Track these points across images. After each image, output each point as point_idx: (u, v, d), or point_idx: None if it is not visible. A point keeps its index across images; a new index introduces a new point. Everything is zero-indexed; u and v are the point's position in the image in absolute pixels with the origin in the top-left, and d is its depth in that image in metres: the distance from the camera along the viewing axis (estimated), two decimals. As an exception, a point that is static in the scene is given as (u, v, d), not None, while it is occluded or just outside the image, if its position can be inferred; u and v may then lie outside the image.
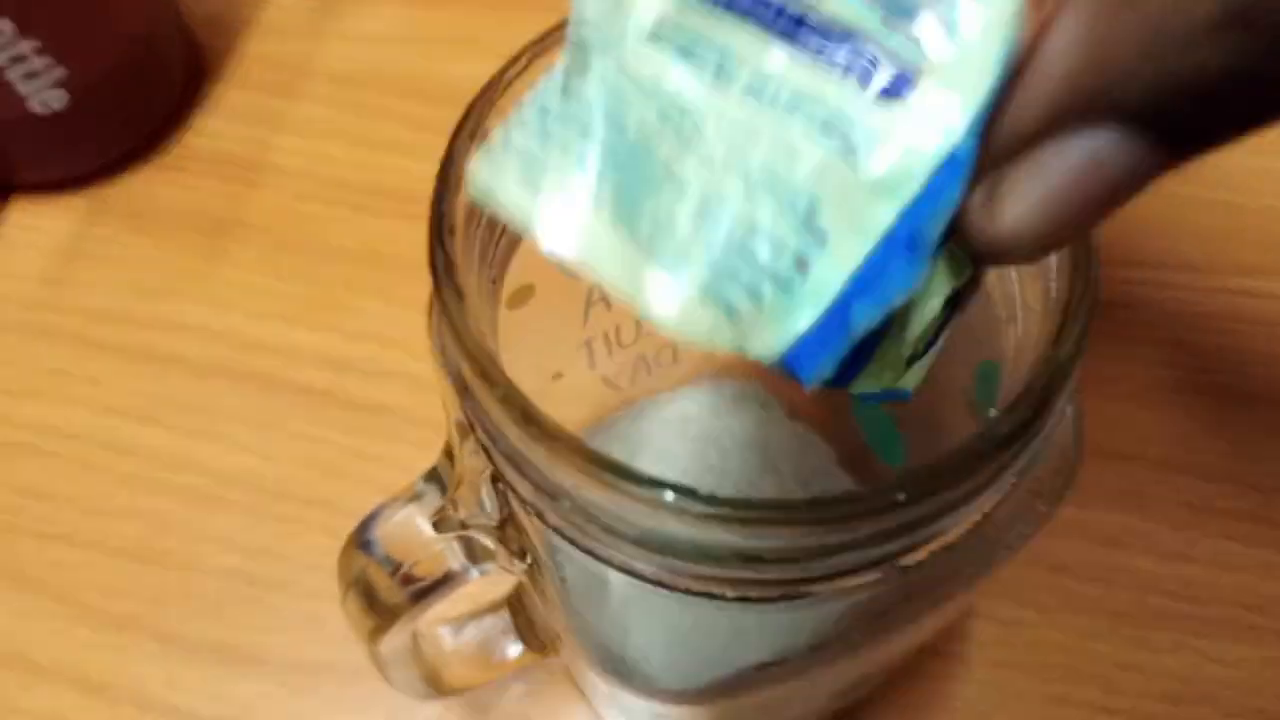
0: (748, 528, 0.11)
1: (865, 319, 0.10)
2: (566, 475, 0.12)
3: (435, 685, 0.21)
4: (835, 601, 0.13)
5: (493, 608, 0.23)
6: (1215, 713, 0.25)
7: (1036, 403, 0.12)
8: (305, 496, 0.29)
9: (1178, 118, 0.08)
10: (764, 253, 0.10)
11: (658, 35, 0.10)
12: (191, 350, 0.31)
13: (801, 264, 0.10)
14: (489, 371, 0.12)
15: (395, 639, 0.18)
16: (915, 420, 0.23)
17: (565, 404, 0.25)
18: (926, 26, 0.09)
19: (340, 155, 0.35)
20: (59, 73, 0.30)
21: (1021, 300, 0.16)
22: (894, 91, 0.09)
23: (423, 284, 0.35)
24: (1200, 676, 0.26)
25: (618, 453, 0.23)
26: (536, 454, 0.12)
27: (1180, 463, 0.29)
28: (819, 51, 0.09)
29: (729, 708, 0.17)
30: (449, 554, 0.17)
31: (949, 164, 0.09)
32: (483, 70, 0.40)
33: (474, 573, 0.17)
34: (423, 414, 0.30)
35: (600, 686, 0.20)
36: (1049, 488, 0.16)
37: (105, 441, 0.30)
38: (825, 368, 0.10)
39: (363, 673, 0.27)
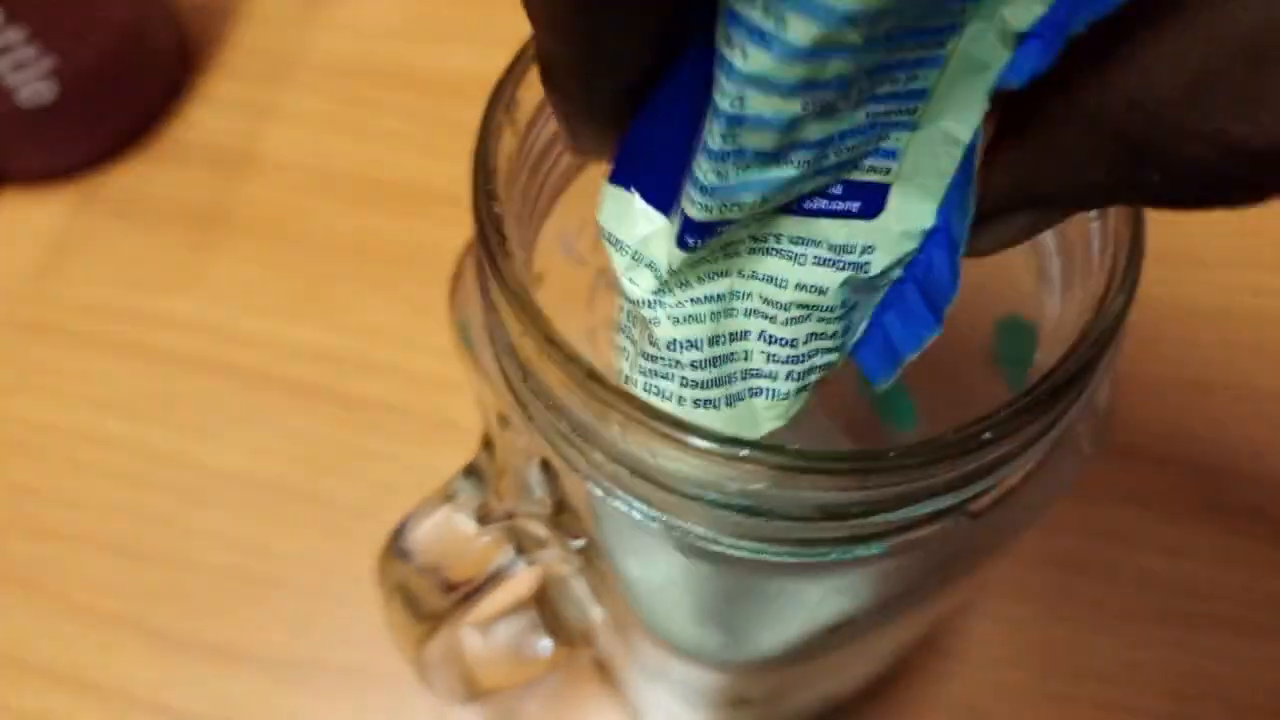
0: (834, 478, 0.11)
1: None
2: (639, 439, 0.11)
3: (472, 688, 0.21)
4: (905, 556, 0.13)
5: (519, 606, 0.22)
6: (1217, 709, 0.25)
7: (1098, 343, 0.12)
8: (297, 492, 0.29)
9: None
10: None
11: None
12: (182, 345, 0.31)
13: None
14: (551, 335, 0.11)
15: (440, 644, 0.18)
16: (927, 382, 0.23)
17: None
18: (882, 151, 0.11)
19: (330, 147, 0.35)
20: (48, 63, 0.29)
21: (1060, 249, 0.15)
22: (870, 210, 0.11)
23: (414, 280, 0.35)
24: (1201, 673, 0.25)
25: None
26: (607, 420, 0.11)
27: (1184, 459, 0.28)
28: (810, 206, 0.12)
29: (793, 673, 0.17)
30: (493, 550, 0.16)
31: (930, 241, 0.12)
32: (472, 60, 0.40)
33: (520, 565, 0.16)
34: (415, 409, 0.30)
35: (643, 671, 0.19)
36: (1090, 432, 0.16)
37: (95, 437, 0.30)
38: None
39: (355, 670, 0.26)
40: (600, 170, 0.12)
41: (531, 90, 0.13)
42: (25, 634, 0.27)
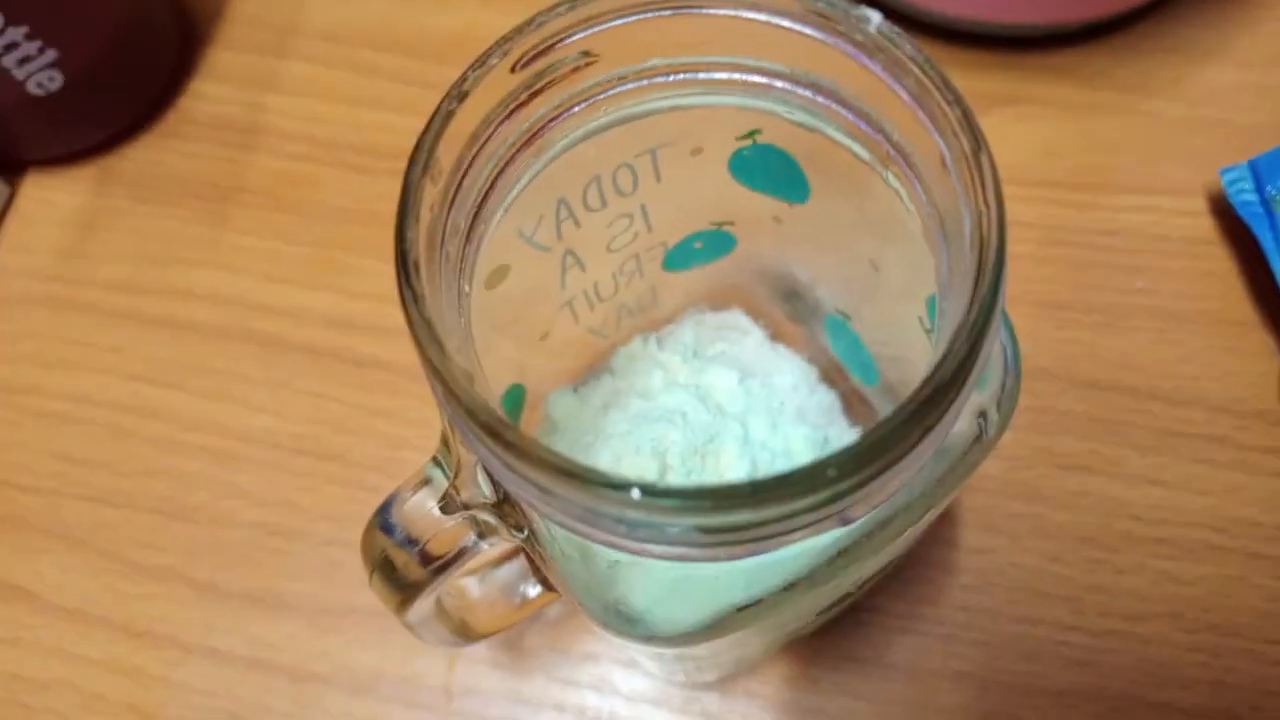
0: (705, 514, 0.12)
1: None
2: (542, 480, 0.13)
3: (464, 634, 0.23)
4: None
5: (510, 555, 0.25)
6: (1173, 628, 0.27)
7: (953, 371, 0.13)
8: (318, 451, 0.31)
9: None
10: None
11: None
12: (204, 315, 0.33)
13: None
14: (462, 398, 0.13)
15: (421, 608, 0.20)
16: (882, 342, 0.24)
17: (556, 358, 0.26)
18: None
19: (333, 114, 0.36)
20: (52, 54, 0.31)
21: (943, 232, 0.16)
22: None
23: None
24: (1161, 595, 0.27)
25: (622, 403, 0.25)
26: (509, 462, 0.13)
27: (1153, 389, 0.29)
28: None
29: (720, 642, 0.19)
30: (460, 531, 0.18)
31: None
32: (467, 24, 0.40)
33: (483, 546, 0.19)
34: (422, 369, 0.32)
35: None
36: (992, 416, 0.17)
37: (132, 407, 0.32)
38: None
39: (382, 613, 0.29)
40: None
41: (451, 143, 0.14)
42: (86, 590, 0.30)
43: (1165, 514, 0.28)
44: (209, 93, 0.36)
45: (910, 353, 0.22)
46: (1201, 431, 0.29)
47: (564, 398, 0.26)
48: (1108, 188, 0.32)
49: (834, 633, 0.27)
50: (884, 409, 0.26)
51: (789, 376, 0.27)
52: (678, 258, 0.24)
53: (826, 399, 0.26)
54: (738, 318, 0.28)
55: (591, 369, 0.27)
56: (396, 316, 0.32)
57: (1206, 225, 0.32)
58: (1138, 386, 0.30)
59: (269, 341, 0.33)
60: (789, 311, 0.27)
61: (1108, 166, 0.33)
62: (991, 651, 0.27)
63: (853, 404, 0.26)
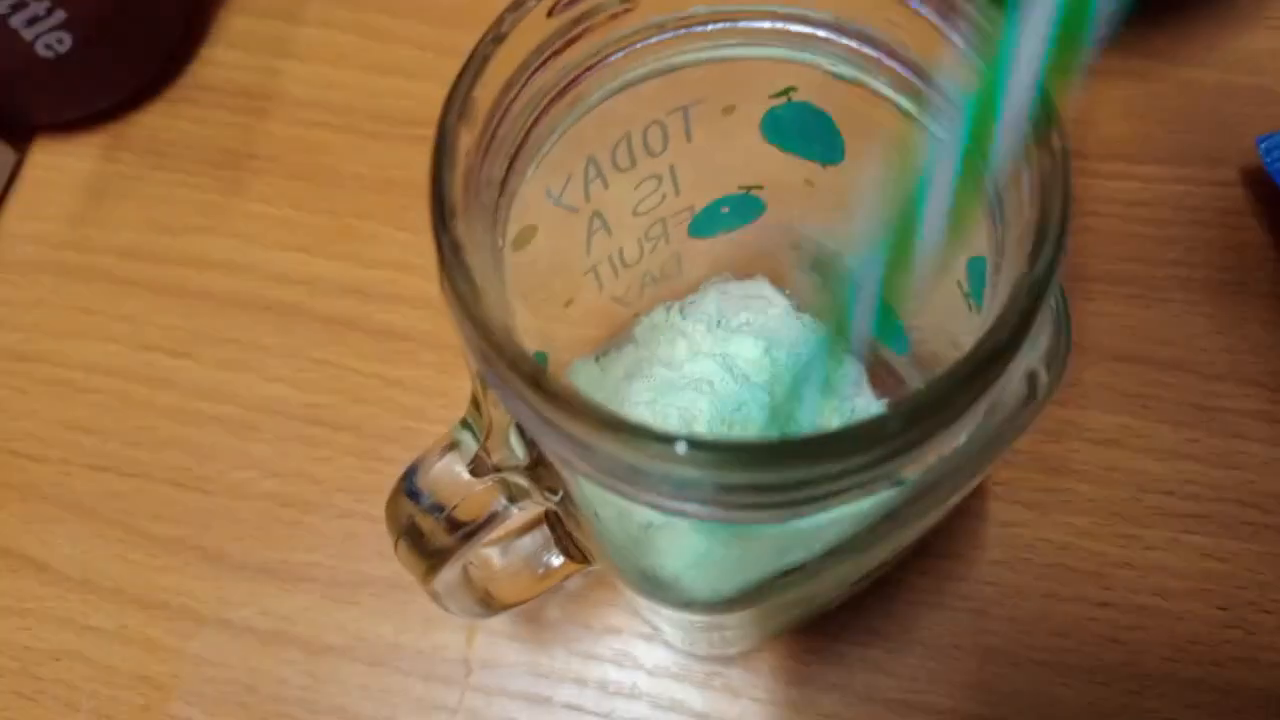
0: (756, 470, 0.12)
1: None
2: (582, 434, 0.12)
3: (488, 605, 0.23)
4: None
5: (533, 525, 0.24)
6: (1206, 605, 0.26)
7: (1014, 327, 0.12)
8: (333, 421, 0.31)
9: None
10: None
11: None
12: (218, 284, 0.33)
13: None
14: (503, 346, 0.13)
15: (447, 576, 0.19)
16: (913, 311, 0.23)
17: (579, 326, 0.26)
18: None
19: (346, 80, 0.35)
20: (60, 15, 0.30)
21: (998, 195, 0.16)
22: None
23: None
24: (1193, 571, 0.27)
25: (646, 372, 0.25)
26: (552, 416, 0.13)
27: (1186, 362, 0.29)
28: None
29: (751, 611, 0.19)
30: (490, 495, 0.18)
31: None
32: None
33: (514, 510, 0.18)
34: (441, 338, 0.31)
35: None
36: (1042, 377, 0.17)
37: (143, 376, 0.32)
38: None
39: (397, 584, 0.28)
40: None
41: (487, 88, 0.14)
42: (95, 559, 0.29)
43: (1197, 489, 0.27)
44: (222, 58, 0.36)
45: (944, 320, 0.22)
46: (1234, 405, 0.28)
47: (586, 367, 0.25)
48: (1139, 157, 0.32)
49: (859, 607, 0.27)
50: (913, 379, 0.25)
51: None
52: (704, 223, 0.24)
53: (854, 370, 0.26)
54: (762, 287, 0.27)
55: (612, 339, 0.27)
56: (413, 285, 0.32)
57: (1241, 195, 0.31)
58: (1169, 359, 0.29)
59: (283, 310, 0.32)
60: (815, 280, 0.27)
61: (1140, 135, 0.32)
62: (1020, 627, 0.26)
63: (879, 375, 0.26)
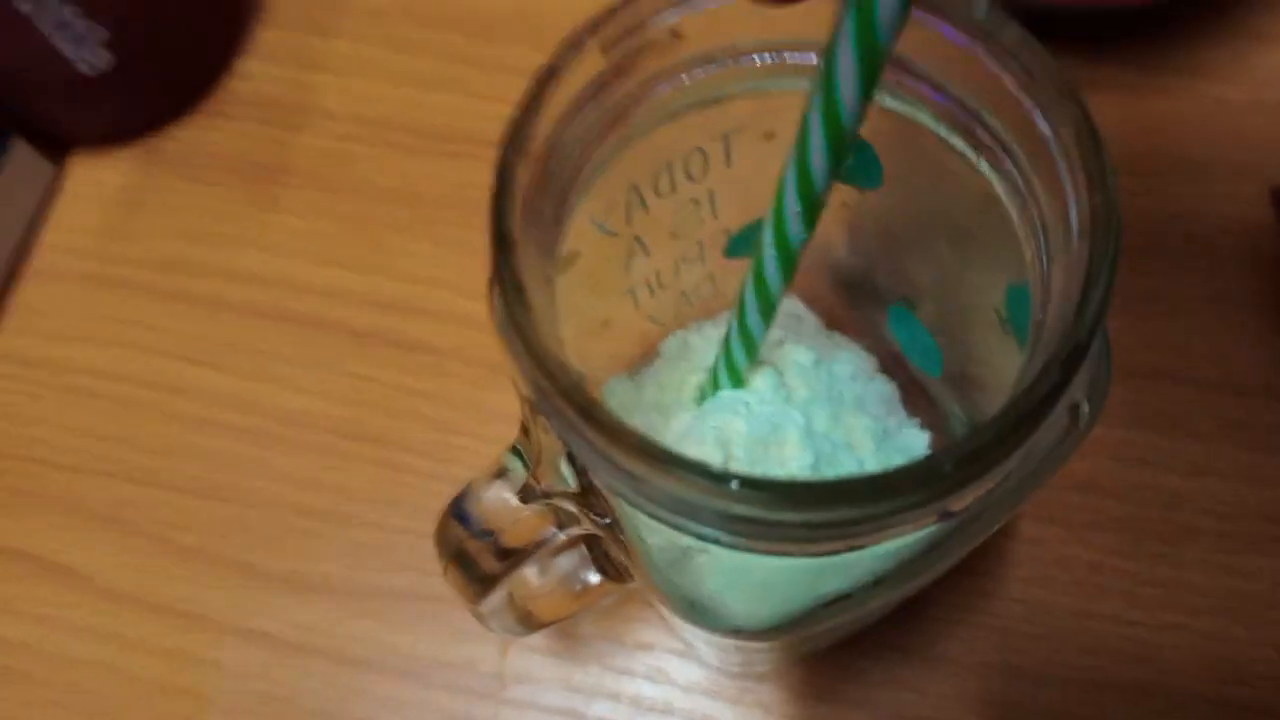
0: (810, 509, 0.12)
1: None
2: (635, 467, 0.13)
3: (528, 623, 0.23)
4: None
5: (570, 544, 0.24)
6: (1235, 623, 0.26)
7: (1060, 375, 0.12)
8: (356, 433, 0.31)
9: None
10: None
11: None
12: (244, 295, 0.33)
13: None
14: (557, 377, 0.13)
15: (494, 599, 0.20)
16: (949, 332, 0.24)
17: (615, 343, 0.26)
18: None
19: (378, 93, 0.35)
20: (101, 33, 0.30)
21: (1041, 221, 0.16)
22: None
23: (464, 224, 0.36)
24: (1223, 589, 0.27)
25: (673, 394, 0.25)
26: (605, 449, 0.13)
27: (1213, 379, 0.29)
28: None
29: (797, 635, 0.19)
30: (540, 521, 0.18)
31: None
32: (516, 1, 0.39)
33: (561, 535, 0.18)
34: (469, 352, 0.31)
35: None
36: (1084, 408, 0.17)
37: (172, 386, 0.32)
38: None
39: (415, 596, 0.29)
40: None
41: (543, 124, 0.14)
42: (118, 568, 0.30)
43: (1227, 506, 0.27)
44: (255, 72, 0.36)
45: (979, 344, 0.22)
46: (1264, 420, 0.28)
47: (621, 385, 0.26)
48: (1167, 173, 0.32)
49: (888, 625, 0.27)
50: (945, 400, 0.25)
51: (847, 366, 0.26)
52: (740, 245, 0.24)
53: (885, 389, 0.26)
54: (793, 304, 0.27)
55: (645, 357, 0.27)
56: (441, 298, 0.33)
57: (1268, 212, 0.31)
58: (1197, 375, 0.29)
59: (309, 322, 0.32)
60: (846, 299, 0.27)
61: (1167, 151, 0.32)
62: (1049, 645, 0.27)
63: (911, 394, 0.26)
